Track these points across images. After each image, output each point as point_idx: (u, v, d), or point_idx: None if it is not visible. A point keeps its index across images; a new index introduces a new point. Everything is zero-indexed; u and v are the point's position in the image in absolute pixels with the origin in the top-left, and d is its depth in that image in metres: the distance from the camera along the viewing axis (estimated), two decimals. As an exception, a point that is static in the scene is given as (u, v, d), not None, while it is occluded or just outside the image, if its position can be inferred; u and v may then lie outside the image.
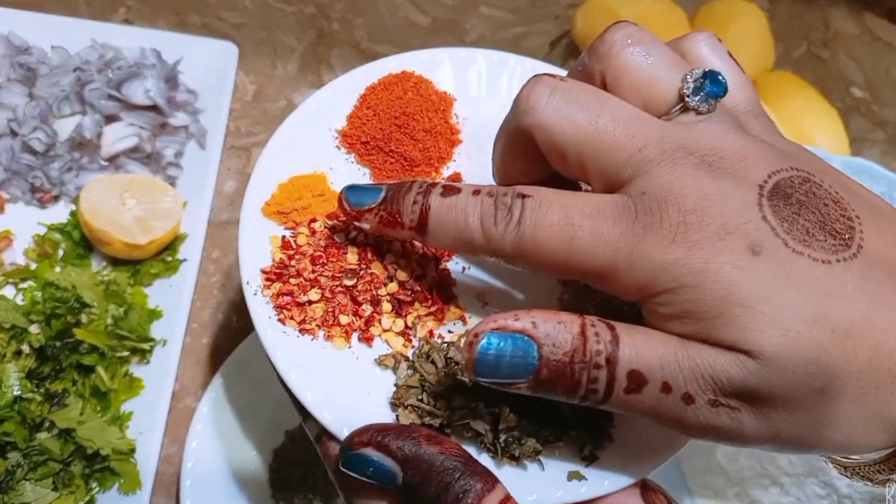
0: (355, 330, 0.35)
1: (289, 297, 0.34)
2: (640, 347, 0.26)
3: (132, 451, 0.46)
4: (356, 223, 0.33)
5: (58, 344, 0.48)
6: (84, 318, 0.49)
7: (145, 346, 0.49)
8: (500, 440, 0.31)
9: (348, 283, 0.35)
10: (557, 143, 0.28)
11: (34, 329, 0.48)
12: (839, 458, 0.31)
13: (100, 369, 0.48)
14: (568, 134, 0.28)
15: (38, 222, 0.55)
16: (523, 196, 0.28)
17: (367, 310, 0.35)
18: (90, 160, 0.56)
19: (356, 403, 0.33)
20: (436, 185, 0.30)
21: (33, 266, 0.53)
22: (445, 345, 0.34)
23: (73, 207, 0.55)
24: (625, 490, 0.32)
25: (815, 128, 0.54)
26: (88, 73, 0.57)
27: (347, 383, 0.33)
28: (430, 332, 0.35)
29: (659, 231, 0.26)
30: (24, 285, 0.52)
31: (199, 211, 0.55)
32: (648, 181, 0.26)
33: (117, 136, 0.56)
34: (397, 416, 0.32)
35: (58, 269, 0.52)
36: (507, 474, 0.31)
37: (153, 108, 0.57)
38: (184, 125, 0.58)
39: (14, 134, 0.55)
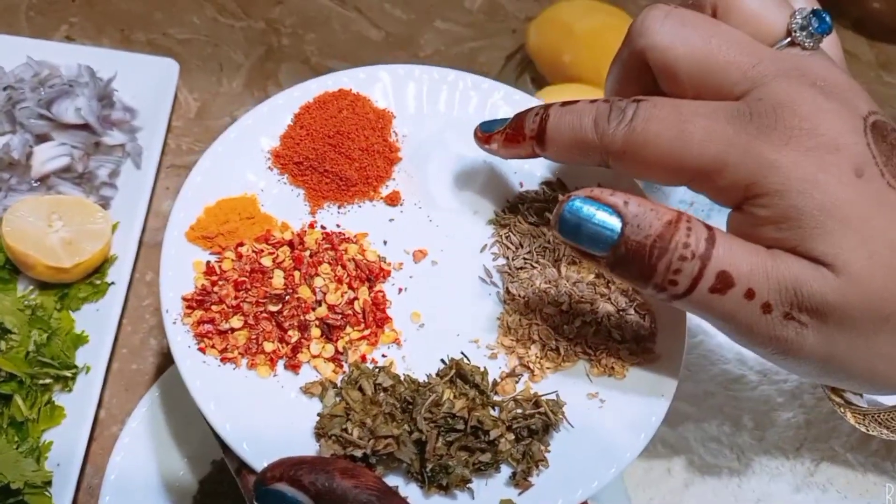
0: (281, 357, 0.35)
1: (210, 325, 0.35)
2: (734, 250, 0.27)
3: (48, 483, 0.45)
4: (486, 146, 0.36)
5: (-27, 373, 0.46)
6: (3, 345, 0.48)
7: (68, 373, 0.48)
8: (427, 469, 0.32)
9: (273, 308, 0.35)
10: (670, 63, 0.30)
11: (-48, 356, 0.47)
12: (860, 406, 0.34)
13: (17, 398, 0.47)
14: (681, 53, 0.30)
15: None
16: (638, 100, 0.30)
17: (293, 336, 0.35)
18: (19, 181, 0.55)
19: (279, 435, 0.33)
20: (556, 102, 0.33)
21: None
22: (377, 370, 0.34)
23: (-1, 231, 0.54)
24: None
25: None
26: (20, 91, 0.56)
27: (271, 414, 0.33)
28: (363, 357, 0.35)
29: (773, 132, 0.27)
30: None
31: (130, 232, 0.54)
32: (764, 91, 0.28)
33: (48, 157, 0.55)
34: (319, 447, 0.32)
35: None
36: None
37: (85, 126, 0.56)
38: (119, 144, 0.58)
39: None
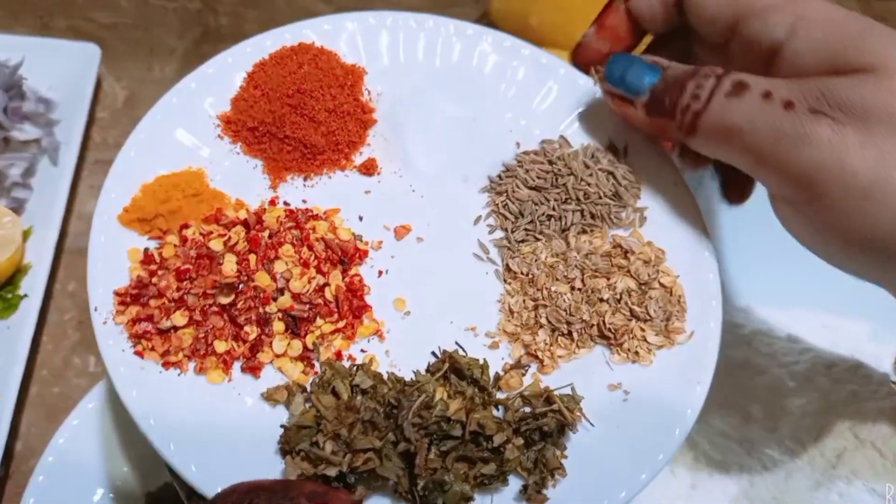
0: (237, 358, 0.29)
1: (148, 324, 0.29)
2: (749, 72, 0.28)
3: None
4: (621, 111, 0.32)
5: None
6: None
7: (-32, 405, 0.40)
8: (418, 488, 0.26)
9: (224, 300, 0.29)
10: None
11: None
12: None
13: None
14: None
15: None
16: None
17: (251, 332, 0.29)
18: (-82, 186, 0.47)
19: (235, 453, 0.27)
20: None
21: None
22: (354, 368, 0.29)
23: None
24: None
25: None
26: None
27: (225, 427, 0.28)
28: (338, 354, 0.30)
29: None
30: None
31: (47, 237, 0.47)
32: None
33: (-52, 155, 0.47)
34: (285, 466, 0.26)
35: None
36: None
37: None
38: (34, 139, 0.51)
39: None
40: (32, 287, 0.45)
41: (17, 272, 0.46)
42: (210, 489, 0.26)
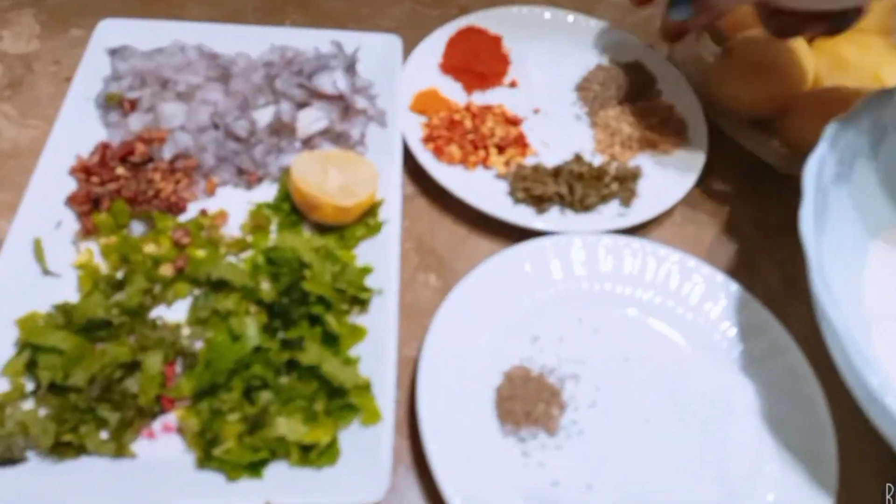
0: (478, 162, 0.67)
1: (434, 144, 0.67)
2: None
3: (369, 386, 0.50)
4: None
5: (286, 300, 0.52)
6: (307, 274, 0.53)
7: (364, 295, 0.54)
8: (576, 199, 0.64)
9: (469, 137, 0.67)
10: None
11: (265, 286, 0.53)
12: None
13: (328, 316, 0.52)
14: None
15: (247, 202, 0.60)
16: None
17: (482, 152, 0.67)
18: (288, 143, 0.62)
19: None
20: None
21: (249, 238, 0.58)
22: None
23: (277, 187, 0.61)
24: None
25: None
26: (275, 69, 0.65)
27: (474, 183, 0.65)
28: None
29: None
30: (244, 255, 0.57)
31: (391, 178, 0.59)
32: None
33: (310, 120, 0.62)
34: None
35: (273, 238, 0.58)
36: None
37: (338, 94, 0.63)
38: (364, 108, 0.64)
39: (216, 126, 0.62)
40: (389, 214, 0.57)
41: (374, 205, 0.58)
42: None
